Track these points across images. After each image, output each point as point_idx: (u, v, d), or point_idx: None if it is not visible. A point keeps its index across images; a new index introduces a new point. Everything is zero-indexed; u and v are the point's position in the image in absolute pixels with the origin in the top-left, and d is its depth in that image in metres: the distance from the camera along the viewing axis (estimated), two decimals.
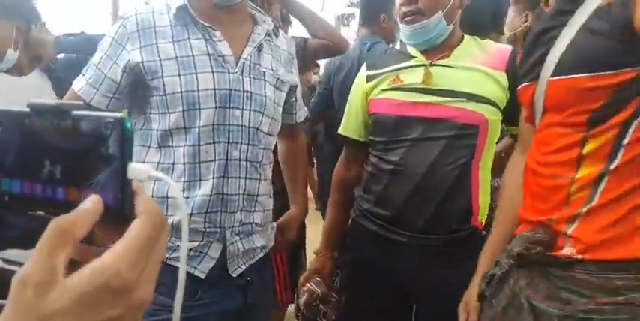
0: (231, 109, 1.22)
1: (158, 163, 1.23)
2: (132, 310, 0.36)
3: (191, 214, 1.21)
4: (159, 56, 1.19)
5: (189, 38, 1.23)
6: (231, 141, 1.23)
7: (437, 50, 1.35)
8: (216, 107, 1.20)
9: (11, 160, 0.42)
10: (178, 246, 1.16)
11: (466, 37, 1.38)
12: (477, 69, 1.31)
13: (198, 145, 1.20)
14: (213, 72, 1.21)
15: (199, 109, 1.20)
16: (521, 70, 1.01)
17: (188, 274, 1.22)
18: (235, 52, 1.25)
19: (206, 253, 1.24)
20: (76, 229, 0.36)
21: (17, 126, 0.42)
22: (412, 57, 1.43)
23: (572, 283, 0.86)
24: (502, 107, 1.31)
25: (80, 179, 0.40)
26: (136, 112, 1.27)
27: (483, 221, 1.37)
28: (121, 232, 0.37)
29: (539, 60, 0.92)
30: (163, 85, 1.19)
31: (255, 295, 1.33)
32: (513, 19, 2.36)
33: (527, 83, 0.96)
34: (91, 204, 0.38)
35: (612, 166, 0.83)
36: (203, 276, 1.23)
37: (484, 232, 1.33)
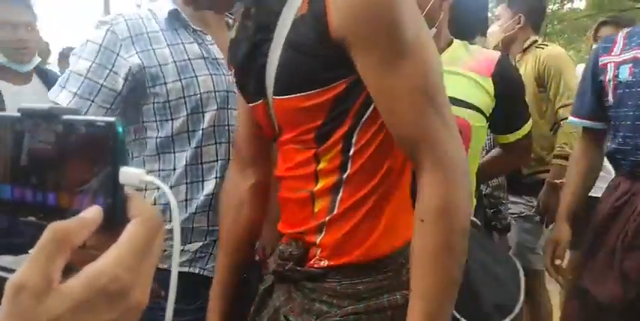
0: (229, 110, 1.24)
1: (159, 170, 1.23)
2: (128, 312, 0.36)
3: (195, 214, 1.23)
4: (157, 62, 1.19)
5: (182, 42, 1.22)
6: (232, 141, 1.24)
7: None
8: (217, 109, 1.22)
9: (1, 165, 0.42)
10: (183, 250, 1.18)
11: (455, 41, 1.36)
12: (463, 74, 1.29)
13: (200, 147, 1.21)
14: (211, 75, 1.22)
15: (202, 112, 1.20)
16: (246, 87, 0.95)
17: (196, 276, 1.23)
18: (225, 55, 1.26)
19: (211, 253, 1.25)
20: (74, 237, 0.36)
21: (7, 131, 0.41)
22: None
23: (323, 294, 0.86)
24: (488, 114, 1.29)
25: (72, 184, 0.39)
26: (129, 122, 1.25)
27: None
28: (115, 236, 0.37)
29: (259, 77, 0.87)
30: (167, 91, 1.18)
31: (252, 292, 1.35)
32: (507, 21, 2.38)
33: (257, 102, 0.91)
34: (92, 214, 0.38)
35: (344, 177, 0.85)
36: (212, 275, 1.25)
37: None
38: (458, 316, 0.95)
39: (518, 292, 1.08)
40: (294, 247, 0.90)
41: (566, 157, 2.13)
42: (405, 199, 0.89)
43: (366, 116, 0.83)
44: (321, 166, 0.85)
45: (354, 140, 0.83)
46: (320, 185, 0.86)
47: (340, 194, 0.85)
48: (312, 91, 0.81)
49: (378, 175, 0.85)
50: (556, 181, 2.17)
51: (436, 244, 0.77)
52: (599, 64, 1.59)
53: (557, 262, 1.69)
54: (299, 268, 0.89)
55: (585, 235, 1.63)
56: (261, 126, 0.97)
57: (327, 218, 0.86)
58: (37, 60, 1.88)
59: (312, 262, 0.88)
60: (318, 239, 0.87)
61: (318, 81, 0.80)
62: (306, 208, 0.88)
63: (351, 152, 0.84)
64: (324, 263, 0.87)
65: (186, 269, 1.21)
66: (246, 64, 0.91)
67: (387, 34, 0.76)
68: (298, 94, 0.82)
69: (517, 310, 1.05)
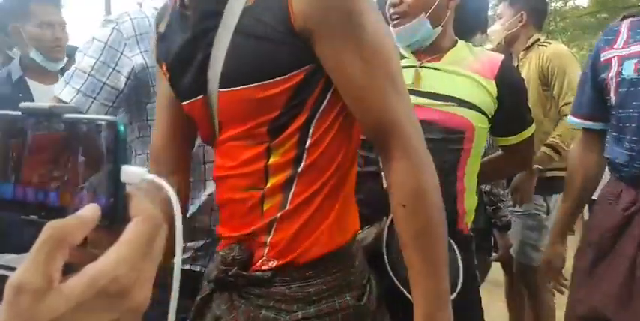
0: None
1: None
2: (129, 313, 0.36)
3: (197, 213, 1.23)
4: None
5: None
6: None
7: (427, 52, 1.33)
8: None
9: (3, 163, 0.42)
10: (185, 248, 1.18)
11: (460, 42, 1.36)
12: (467, 75, 1.29)
13: (203, 146, 1.21)
14: None
15: None
16: (181, 83, 0.88)
17: (198, 273, 1.23)
18: None
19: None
20: (72, 236, 0.35)
21: (9, 129, 0.41)
22: (403, 57, 1.42)
23: (270, 299, 0.82)
24: (490, 116, 1.29)
25: (73, 183, 0.39)
26: (133, 120, 1.26)
27: (469, 224, 1.34)
28: (116, 235, 0.37)
29: (201, 70, 0.82)
30: None
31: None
32: (509, 19, 2.37)
33: (196, 98, 0.85)
34: (89, 212, 0.37)
35: (298, 171, 0.81)
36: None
37: (471, 233, 1.33)
38: (406, 292, 0.97)
39: (457, 272, 1.14)
40: (237, 251, 0.85)
41: (554, 148, 2.14)
42: (352, 192, 0.89)
43: (323, 106, 0.81)
44: (273, 160, 0.81)
45: (311, 131, 0.81)
46: (271, 181, 0.82)
47: (293, 189, 0.82)
48: (270, 81, 0.77)
49: (331, 167, 0.83)
50: (534, 166, 2.16)
51: (423, 224, 0.80)
52: (601, 59, 1.42)
53: (550, 285, 1.61)
54: (244, 273, 0.84)
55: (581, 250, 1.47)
56: (187, 126, 0.93)
57: (279, 215, 0.82)
58: (65, 59, 1.91)
59: (258, 264, 0.84)
60: (268, 239, 0.83)
61: (277, 70, 0.77)
62: (253, 207, 0.83)
63: (307, 144, 0.81)
64: (273, 263, 0.83)
65: (187, 267, 1.23)
66: (185, 57, 0.85)
67: (350, 20, 0.76)
68: (252, 85, 0.77)
69: (458, 288, 1.10)
